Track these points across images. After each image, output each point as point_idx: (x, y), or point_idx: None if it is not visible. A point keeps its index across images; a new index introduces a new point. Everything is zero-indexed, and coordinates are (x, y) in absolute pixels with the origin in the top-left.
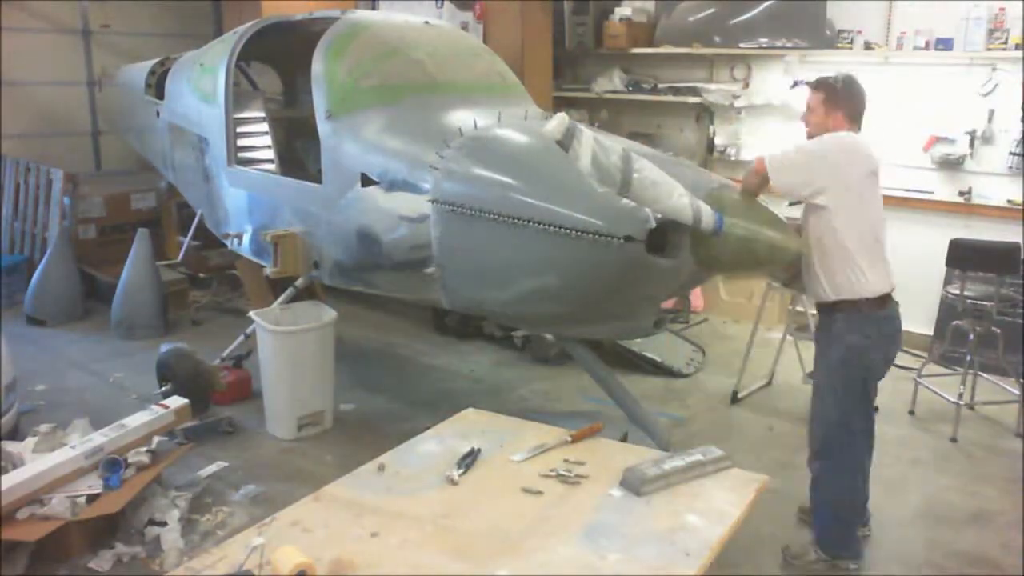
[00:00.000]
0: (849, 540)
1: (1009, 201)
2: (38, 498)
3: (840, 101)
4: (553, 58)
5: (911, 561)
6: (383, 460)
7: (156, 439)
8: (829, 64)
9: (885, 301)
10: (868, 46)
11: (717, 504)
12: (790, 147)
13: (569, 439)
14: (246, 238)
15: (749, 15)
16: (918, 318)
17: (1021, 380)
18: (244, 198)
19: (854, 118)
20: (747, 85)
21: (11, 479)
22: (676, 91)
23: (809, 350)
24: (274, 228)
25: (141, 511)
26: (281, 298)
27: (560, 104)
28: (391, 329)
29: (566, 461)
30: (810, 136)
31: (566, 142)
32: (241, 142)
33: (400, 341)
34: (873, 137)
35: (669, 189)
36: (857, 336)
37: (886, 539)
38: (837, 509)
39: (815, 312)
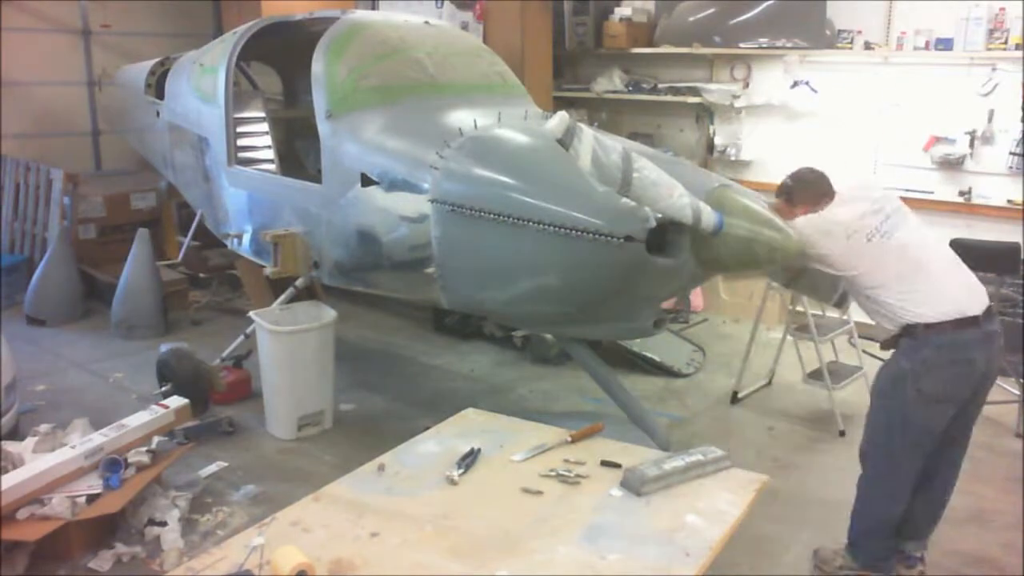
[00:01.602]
0: (879, 553)
1: (1009, 201)
2: (38, 498)
3: (795, 196)
4: (553, 58)
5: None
6: (383, 460)
7: (156, 439)
8: (829, 64)
9: (946, 327)
10: (868, 46)
11: (717, 504)
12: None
13: (569, 439)
14: (246, 238)
15: (749, 15)
16: None
17: (1021, 380)
18: (244, 198)
19: (818, 199)
20: (747, 85)
21: (11, 479)
22: (676, 91)
23: (809, 350)
24: (274, 228)
25: (141, 511)
26: (281, 298)
27: (560, 104)
28: (391, 329)
29: (566, 461)
30: None
31: (566, 141)
32: (241, 142)
33: (400, 341)
34: (873, 137)
35: (669, 189)
36: (906, 361)
37: None
38: (866, 520)
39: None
